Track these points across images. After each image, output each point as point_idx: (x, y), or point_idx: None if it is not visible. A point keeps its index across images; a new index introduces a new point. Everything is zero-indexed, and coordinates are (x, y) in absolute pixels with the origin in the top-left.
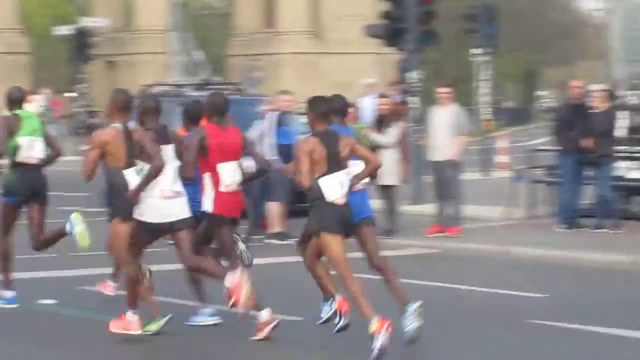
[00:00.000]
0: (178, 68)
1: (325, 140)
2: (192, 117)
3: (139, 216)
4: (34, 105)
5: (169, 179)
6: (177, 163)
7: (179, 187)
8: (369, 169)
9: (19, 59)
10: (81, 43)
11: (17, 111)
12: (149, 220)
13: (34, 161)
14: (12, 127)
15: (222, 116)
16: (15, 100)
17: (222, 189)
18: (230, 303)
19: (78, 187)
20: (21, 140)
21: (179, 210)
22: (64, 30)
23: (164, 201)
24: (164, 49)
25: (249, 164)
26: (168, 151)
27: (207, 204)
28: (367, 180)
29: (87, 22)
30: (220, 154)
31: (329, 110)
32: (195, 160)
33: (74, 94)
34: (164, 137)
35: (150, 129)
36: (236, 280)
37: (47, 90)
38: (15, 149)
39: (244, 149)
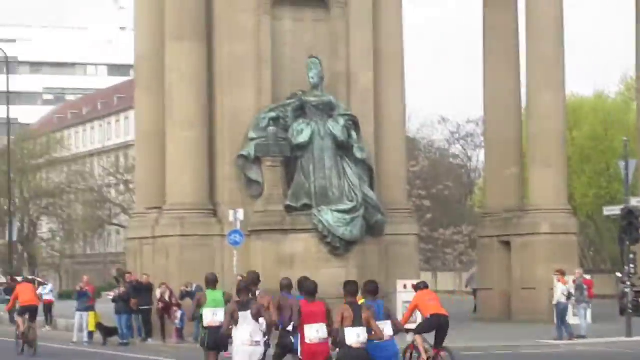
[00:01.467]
0: None
1: (352, 307)
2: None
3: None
4: None
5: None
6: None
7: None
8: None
9: (567, 239)
10: (629, 223)
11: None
12: None
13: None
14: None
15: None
16: (210, 282)
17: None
18: None
19: None
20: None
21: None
22: (614, 210)
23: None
24: None
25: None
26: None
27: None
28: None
29: (636, 201)
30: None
31: (356, 290)
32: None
33: (620, 275)
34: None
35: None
36: None
37: (579, 270)
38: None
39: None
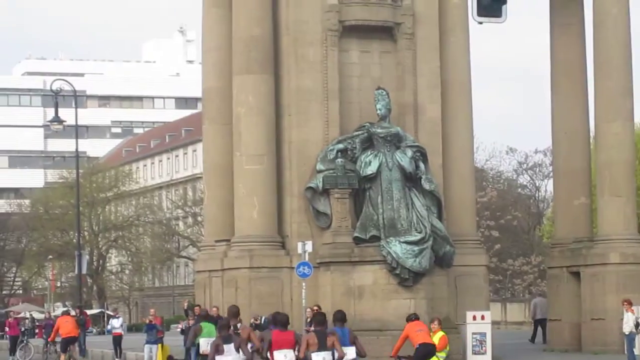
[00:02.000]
0: None
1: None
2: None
3: None
4: None
5: None
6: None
7: None
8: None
9: (638, 269)
10: None
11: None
12: None
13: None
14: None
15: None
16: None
17: None
18: None
19: None
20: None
21: None
22: None
23: None
24: None
25: None
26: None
27: None
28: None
29: None
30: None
31: (324, 320)
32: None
33: None
34: None
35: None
36: None
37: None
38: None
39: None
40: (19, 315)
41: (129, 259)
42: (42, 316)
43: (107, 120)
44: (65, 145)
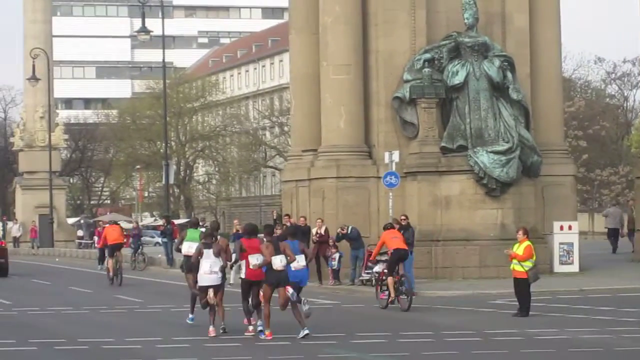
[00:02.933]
0: None
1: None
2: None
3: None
4: None
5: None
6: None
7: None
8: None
9: None
10: None
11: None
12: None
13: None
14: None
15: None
16: (192, 224)
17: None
18: None
19: None
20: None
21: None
22: None
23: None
24: None
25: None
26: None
27: None
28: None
29: None
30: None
31: (272, 232)
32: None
33: None
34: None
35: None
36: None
37: None
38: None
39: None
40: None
41: (216, 169)
42: (129, 226)
43: (194, 31)
44: (152, 55)
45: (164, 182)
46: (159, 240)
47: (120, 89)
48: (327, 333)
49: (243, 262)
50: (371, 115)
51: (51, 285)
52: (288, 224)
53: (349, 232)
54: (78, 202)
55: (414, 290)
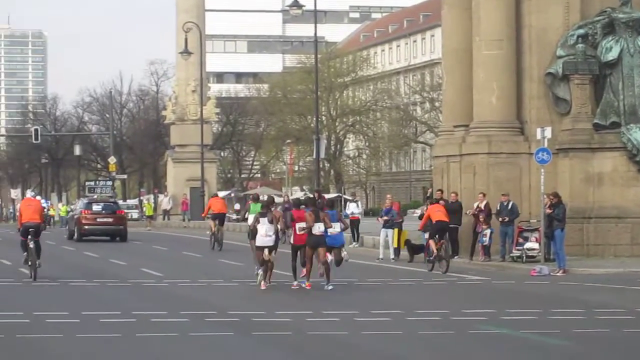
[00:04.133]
0: None
1: (314, 212)
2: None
3: None
4: None
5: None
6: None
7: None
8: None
9: None
10: None
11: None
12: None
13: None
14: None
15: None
16: (254, 199)
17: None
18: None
19: None
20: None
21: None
22: None
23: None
24: None
25: None
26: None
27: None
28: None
29: None
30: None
31: (315, 204)
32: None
33: None
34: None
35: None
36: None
37: None
38: None
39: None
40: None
41: (366, 144)
42: (280, 200)
43: (346, 5)
44: (304, 30)
45: (314, 156)
46: None
47: (272, 63)
48: (477, 309)
49: (297, 226)
50: (523, 91)
51: (167, 250)
52: (438, 197)
53: (510, 205)
54: (229, 175)
55: (565, 267)
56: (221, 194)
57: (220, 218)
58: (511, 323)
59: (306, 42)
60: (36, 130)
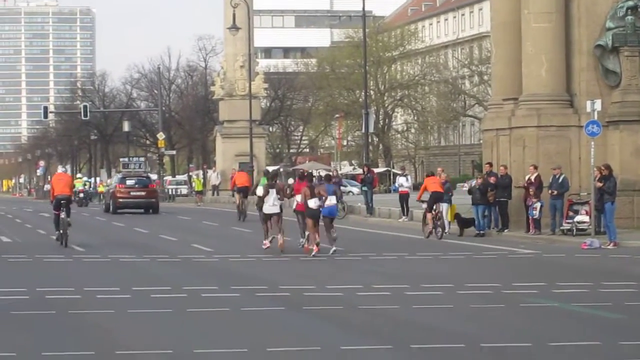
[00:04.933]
0: None
1: (310, 187)
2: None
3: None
4: None
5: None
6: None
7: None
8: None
9: None
10: None
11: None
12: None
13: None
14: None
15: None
16: (265, 173)
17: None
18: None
19: None
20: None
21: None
22: None
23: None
24: None
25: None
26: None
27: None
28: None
29: None
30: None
31: (311, 179)
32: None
33: None
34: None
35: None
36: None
37: None
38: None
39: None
40: None
41: (415, 118)
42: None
43: None
44: (352, 4)
45: (363, 130)
46: (352, 190)
47: (319, 37)
48: (528, 282)
49: (296, 197)
50: (573, 63)
51: (218, 225)
52: (488, 171)
53: (561, 179)
54: (277, 150)
55: (615, 240)
56: (270, 168)
57: (244, 191)
58: (562, 296)
59: (354, 17)
60: (85, 107)
